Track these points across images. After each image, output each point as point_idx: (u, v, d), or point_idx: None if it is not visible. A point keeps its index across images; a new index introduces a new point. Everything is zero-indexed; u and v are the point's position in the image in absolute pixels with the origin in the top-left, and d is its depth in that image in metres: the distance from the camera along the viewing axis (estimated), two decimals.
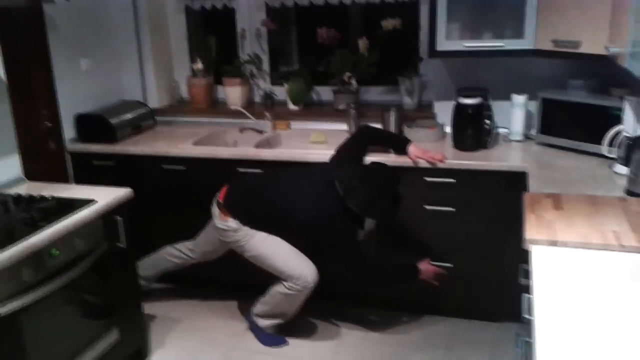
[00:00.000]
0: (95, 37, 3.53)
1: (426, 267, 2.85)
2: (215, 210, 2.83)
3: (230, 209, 2.76)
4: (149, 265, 3.16)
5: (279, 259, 2.76)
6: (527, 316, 1.68)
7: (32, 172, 2.87)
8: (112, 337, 2.58)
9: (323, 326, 3.16)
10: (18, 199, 2.49)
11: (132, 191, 2.67)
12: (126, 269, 2.70)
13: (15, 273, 2.04)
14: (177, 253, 3.15)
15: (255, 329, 3.03)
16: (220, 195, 2.83)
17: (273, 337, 3.02)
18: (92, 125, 3.38)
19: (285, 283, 2.77)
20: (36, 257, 2.13)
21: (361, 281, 2.80)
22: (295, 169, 2.91)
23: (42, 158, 3.06)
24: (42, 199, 2.48)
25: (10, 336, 2.05)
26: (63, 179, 3.22)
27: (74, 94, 3.33)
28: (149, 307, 3.23)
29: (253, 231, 2.74)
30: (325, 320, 3.21)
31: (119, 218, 2.56)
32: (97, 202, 2.47)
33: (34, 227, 2.20)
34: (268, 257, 2.76)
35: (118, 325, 2.62)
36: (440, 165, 2.85)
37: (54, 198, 2.47)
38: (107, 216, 2.50)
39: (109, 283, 2.57)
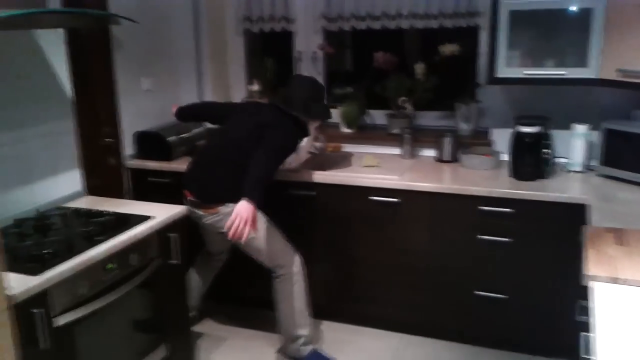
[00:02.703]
0: (157, 57, 3.64)
1: (249, 207, 2.52)
2: (197, 212, 2.84)
3: (210, 199, 2.77)
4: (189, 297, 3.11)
5: (274, 241, 2.87)
6: (585, 356, 1.62)
7: (91, 186, 2.97)
8: (160, 353, 2.62)
9: (373, 355, 3.11)
10: (78, 212, 2.57)
11: (187, 209, 2.72)
12: (177, 286, 2.74)
13: (72, 285, 2.10)
14: (200, 270, 3.18)
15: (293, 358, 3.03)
16: (190, 195, 2.83)
17: (316, 356, 3.00)
18: (150, 143, 3.47)
19: (276, 279, 2.88)
20: (92, 270, 2.18)
21: (257, 173, 2.63)
22: (227, 124, 3.00)
23: (101, 173, 3.15)
24: (101, 213, 2.55)
25: (65, 347, 2.10)
26: (121, 194, 3.30)
27: (135, 112, 3.43)
28: (196, 325, 3.26)
29: None
30: (377, 346, 3.17)
31: (173, 235, 2.60)
32: (153, 218, 2.53)
33: (92, 241, 2.27)
34: (264, 240, 2.82)
35: (167, 341, 2.65)
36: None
37: (112, 213, 2.54)
38: (162, 233, 2.55)
39: (160, 299, 2.61)
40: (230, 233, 2.50)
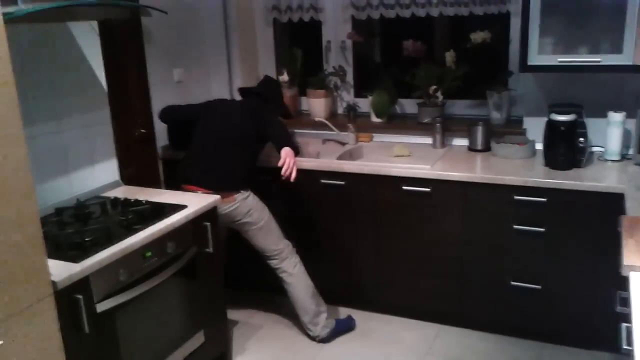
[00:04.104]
0: (188, 48, 3.66)
1: (285, 155, 2.77)
2: None
3: (226, 188, 2.83)
4: None
5: (275, 227, 3.03)
6: (626, 347, 1.60)
7: (127, 176, 3.02)
8: (198, 339, 2.66)
9: (407, 345, 3.12)
10: (115, 202, 2.62)
11: (220, 198, 2.75)
12: (213, 274, 2.78)
13: (112, 273, 2.15)
14: None
15: (326, 338, 3.12)
16: (200, 190, 2.85)
17: (340, 325, 3.18)
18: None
19: (281, 265, 3.03)
20: (131, 258, 2.23)
21: (282, 132, 2.96)
22: (213, 118, 3.09)
23: (136, 163, 3.19)
24: (137, 202, 2.59)
25: (106, 332, 2.16)
26: (155, 184, 3.35)
27: (167, 103, 3.46)
28: (231, 313, 3.29)
29: (255, 197, 2.97)
30: (411, 336, 3.18)
31: (208, 224, 2.64)
32: (188, 207, 2.56)
33: (130, 229, 2.31)
34: (269, 227, 2.99)
35: (204, 328, 2.69)
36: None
37: (148, 202, 2.58)
38: (197, 221, 2.58)
39: (197, 287, 2.65)
40: (284, 171, 2.73)
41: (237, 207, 2.87)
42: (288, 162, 2.73)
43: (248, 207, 2.91)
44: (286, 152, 2.78)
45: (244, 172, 2.96)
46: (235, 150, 2.94)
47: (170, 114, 3.28)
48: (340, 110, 3.94)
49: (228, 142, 2.96)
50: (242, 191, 2.89)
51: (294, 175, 2.74)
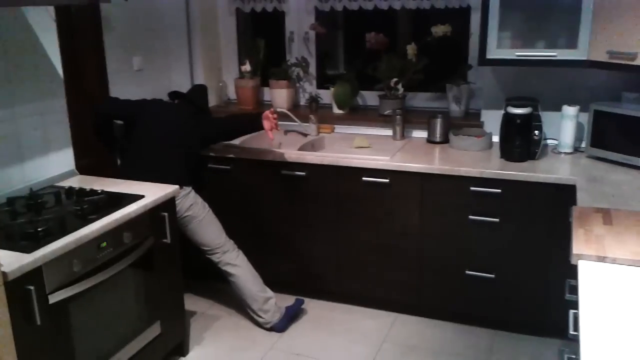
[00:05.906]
0: (148, 37, 3.61)
1: (267, 115, 3.03)
2: None
3: (172, 184, 2.82)
4: None
5: (216, 222, 3.07)
6: (573, 332, 1.65)
7: (82, 165, 2.96)
8: (154, 330, 2.64)
9: (365, 333, 3.15)
10: (70, 191, 2.56)
11: (179, 188, 2.73)
12: (170, 264, 2.75)
13: (66, 263, 2.11)
14: None
15: (278, 324, 3.13)
16: None
17: (290, 310, 3.20)
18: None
19: (223, 257, 3.06)
20: (86, 248, 2.19)
21: (224, 134, 3.23)
22: (151, 118, 3.12)
23: (93, 153, 3.14)
24: (93, 192, 2.55)
25: (58, 324, 2.12)
26: (112, 174, 3.29)
27: (126, 92, 3.40)
28: (188, 303, 3.27)
29: (196, 194, 3.01)
30: (368, 324, 3.21)
31: (165, 214, 2.61)
32: (145, 197, 2.53)
33: (85, 219, 2.27)
34: (210, 222, 3.03)
35: (160, 319, 2.67)
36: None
37: (104, 192, 2.54)
38: (155, 212, 2.56)
39: (154, 277, 2.62)
40: (273, 127, 3.03)
41: (179, 203, 2.88)
42: (272, 117, 3.02)
43: (190, 202, 2.93)
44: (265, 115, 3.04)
45: (185, 169, 2.99)
46: (175, 148, 2.99)
47: (111, 110, 3.22)
48: (302, 102, 3.94)
49: (168, 141, 3.00)
50: (184, 187, 2.91)
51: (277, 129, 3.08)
